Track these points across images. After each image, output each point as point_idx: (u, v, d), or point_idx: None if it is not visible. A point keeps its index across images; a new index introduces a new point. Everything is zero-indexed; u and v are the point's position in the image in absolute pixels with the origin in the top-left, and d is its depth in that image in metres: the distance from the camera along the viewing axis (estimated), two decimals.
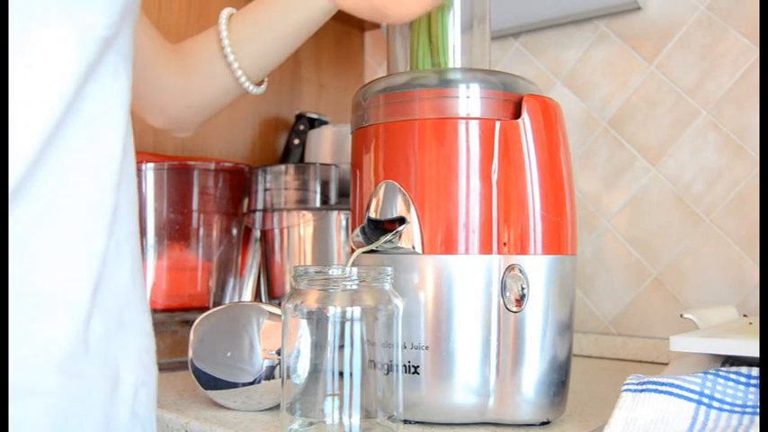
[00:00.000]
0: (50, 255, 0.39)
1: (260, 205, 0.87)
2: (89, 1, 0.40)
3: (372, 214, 0.57)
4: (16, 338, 0.37)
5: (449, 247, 0.54)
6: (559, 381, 0.55)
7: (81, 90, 0.41)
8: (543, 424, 0.55)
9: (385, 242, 0.55)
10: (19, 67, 0.37)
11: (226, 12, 0.69)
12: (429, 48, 0.61)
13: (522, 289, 0.54)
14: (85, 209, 0.41)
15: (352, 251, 0.57)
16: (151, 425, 0.47)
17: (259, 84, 0.71)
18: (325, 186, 0.86)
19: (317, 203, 0.85)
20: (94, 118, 0.42)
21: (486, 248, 0.54)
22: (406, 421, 0.55)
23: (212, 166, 0.86)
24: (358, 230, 0.58)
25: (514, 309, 0.54)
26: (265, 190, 0.86)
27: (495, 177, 0.55)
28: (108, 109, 0.43)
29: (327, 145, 0.98)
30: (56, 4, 0.39)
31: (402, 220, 0.55)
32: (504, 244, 0.54)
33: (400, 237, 0.55)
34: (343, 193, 0.87)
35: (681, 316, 0.64)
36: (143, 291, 0.47)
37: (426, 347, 0.54)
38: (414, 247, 0.55)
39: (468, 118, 0.55)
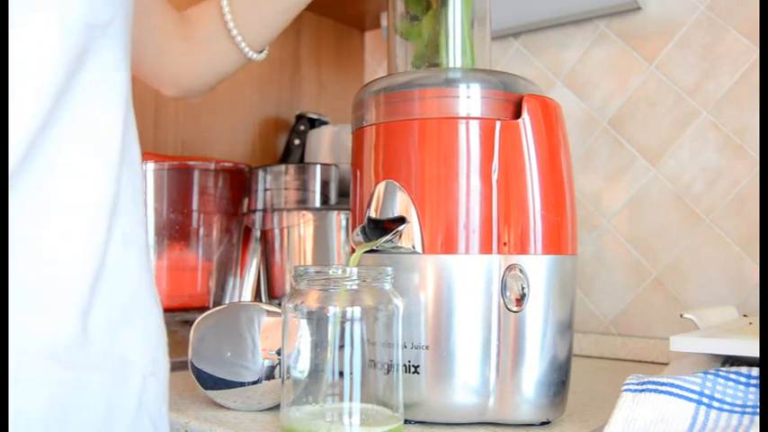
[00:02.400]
0: (44, 247, 0.39)
1: (260, 205, 0.87)
2: None
3: (372, 214, 0.57)
4: (10, 329, 0.37)
5: (449, 246, 0.54)
6: (559, 381, 0.55)
7: (72, 79, 0.40)
8: (543, 424, 0.55)
9: (385, 242, 0.55)
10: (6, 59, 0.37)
11: None
12: (430, 48, 0.61)
13: (523, 289, 0.54)
14: (82, 200, 0.40)
15: (353, 251, 0.57)
16: (161, 418, 0.46)
17: (260, 51, 0.73)
18: (325, 186, 0.86)
19: (317, 203, 0.85)
20: (89, 109, 0.41)
21: (486, 248, 0.54)
22: (406, 421, 0.55)
23: (212, 166, 0.86)
24: (358, 230, 0.58)
25: (515, 308, 0.54)
26: (265, 190, 0.86)
27: (495, 177, 0.55)
28: (104, 99, 0.42)
29: (327, 145, 0.98)
30: None
31: (402, 220, 0.55)
32: (505, 244, 0.54)
33: (400, 236, 0.55)
34: (343, 193, 0.87)
35: (681, 316, 0.64)
36: (152, 283, 0.47)
37: (426, 347, 0.54)
38: (414, 247, 0.55)
39: (468, 118, 0.55)
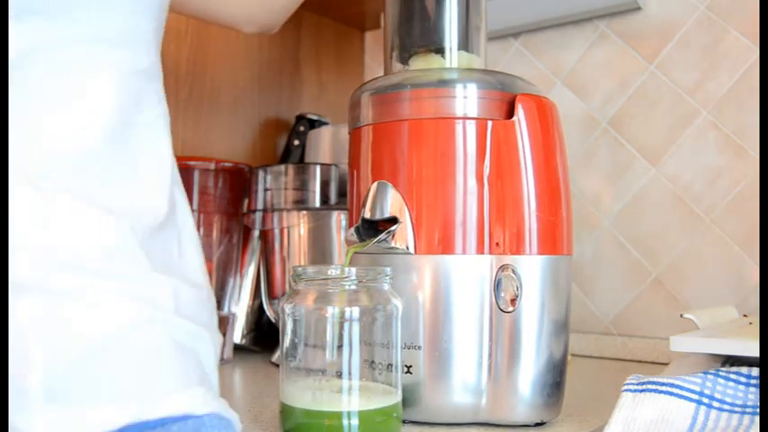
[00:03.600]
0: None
1: (260, 205, 0.87)
2: (131, 43, 0.45)
3: (367, 214, 0.57)
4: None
5: (441, 246, 0.54)
6: (554, 382, 0.55)
7: (131, 120, 0.44)
8: (538, 425, 0.55)
9: (377, 242, 0.55)
10: (64, 102, 0.41)
11: None
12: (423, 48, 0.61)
13: (516, 289, 0.53)
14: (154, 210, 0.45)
15: None
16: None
17: None
18: (324, 186, 0.86)
19: (317, 203, 0.85)
20: (151, 143, 0.46)
21: (478, 248, 0.54)
22: (402, 421, 0.55)
23: (212, 166, 0.86)
24: (352, 230, 0.58)
25: (508, 309, 0.53)
26: (265, 190, 0.86)
27: (487, 177, 0.54)
28: (160, 132, 0.48)
29: (327, 145, 0.98)
30: (99, 46, 0.43)
31: (394, 220, 0.55)
32: (497, 244, 0.54)
33: (394, 236, 0.55)
34: (343, 193, 0.87)
35: (681, 316, 0.64)
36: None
37: (420, 347, 0.54)
38: (407, 248, 0.55)
39: (460, 117, 0.55)
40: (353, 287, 0.51)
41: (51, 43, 0.41)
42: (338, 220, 0.83)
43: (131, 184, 0.44)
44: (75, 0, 0.41)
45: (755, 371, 0.49)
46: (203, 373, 0.43)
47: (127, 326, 0.39)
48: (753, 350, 0.50)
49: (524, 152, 0.55)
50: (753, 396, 0.48)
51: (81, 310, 0.38)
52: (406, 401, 0.54)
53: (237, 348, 0.90)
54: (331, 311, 0.50)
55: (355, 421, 0.49)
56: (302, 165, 0.87)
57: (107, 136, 0.42)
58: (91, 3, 0.42)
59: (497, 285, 0.54)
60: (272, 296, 0.87)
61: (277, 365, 0.81)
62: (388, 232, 0.55)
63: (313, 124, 1.07)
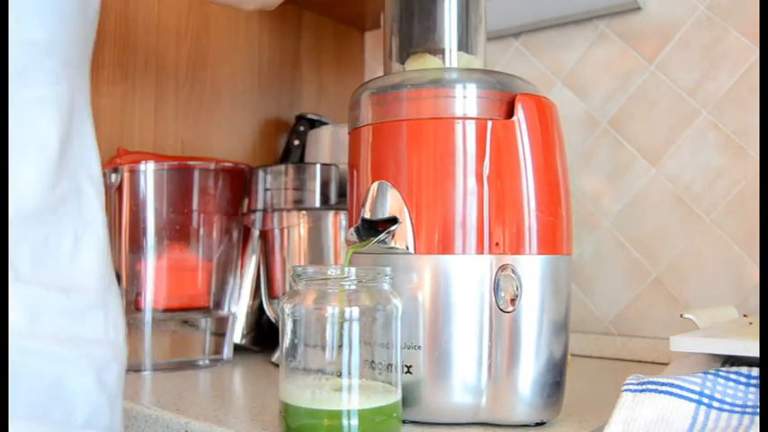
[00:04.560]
0: None
1: (260, 205, 0.87)
2: (16, 9, 0.40)
3: (366, 214, 0.57)
4: None
5: (441, 247, 0.54)
6: (554, 381, 0.55)
7: (13, 95, 0.40)
8: (538, 425, 0.55)
9: (377, 242, 0.55)
10: None
11: None
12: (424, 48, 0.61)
13: (516, 289, 0.53)
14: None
15: None
16: (118, 402, 0.47)
17: None
18: (325, 186, 0.86)
19: (317, 203, 0.85)
20: (31, 124, 0.41)
21: (478, 248, 0.54)
22: (402, 421, 0.55)
23: (212, 166, 0.86)
24: (352, 230, 0.58)
25: (508, 309, 0.53)
26: (265, 190, 0.86)
27: (486, 177, 0.54)
28: (46, 113, 0.42)
29: (327, 145, 0.98)
30: None
31: (394, 220, 0.55)
32: (497, 244, 0.54)
33: (394, 236, 0.55)
34: (343, 194, 0.87)
35: (681, 316, 0.64)
36: (113, 277, 0.48)
37: (419, 347, 0.54)
38: (407, 247, 0.55)
39: (460, 117, 0.55)
40: (353, 287, 0.51)
41: None
42: (338, 220, 0.83)
43: None
44: None
45: (755, 371, 0.49)
46: (62, 403, 0.39)
47: None
48: (753, 350, 0.50)
49: (524, 152, 0.55)
50: (753, 396, 0.48)
51: None
52: (406, 401, 0.54)
53: (237, 348, 0.90)
54: (331, 311, 0.50)
55: (355, 420, 0.49)
56: (302, 165, 0.87)
57: None
58: None
59: (497, 285, 0.54)
60: (272, 296, 0.87)
61: (277, 365, 0.81)
62: (388, 232, 0.55)
63: (313, 124, 1.07)
